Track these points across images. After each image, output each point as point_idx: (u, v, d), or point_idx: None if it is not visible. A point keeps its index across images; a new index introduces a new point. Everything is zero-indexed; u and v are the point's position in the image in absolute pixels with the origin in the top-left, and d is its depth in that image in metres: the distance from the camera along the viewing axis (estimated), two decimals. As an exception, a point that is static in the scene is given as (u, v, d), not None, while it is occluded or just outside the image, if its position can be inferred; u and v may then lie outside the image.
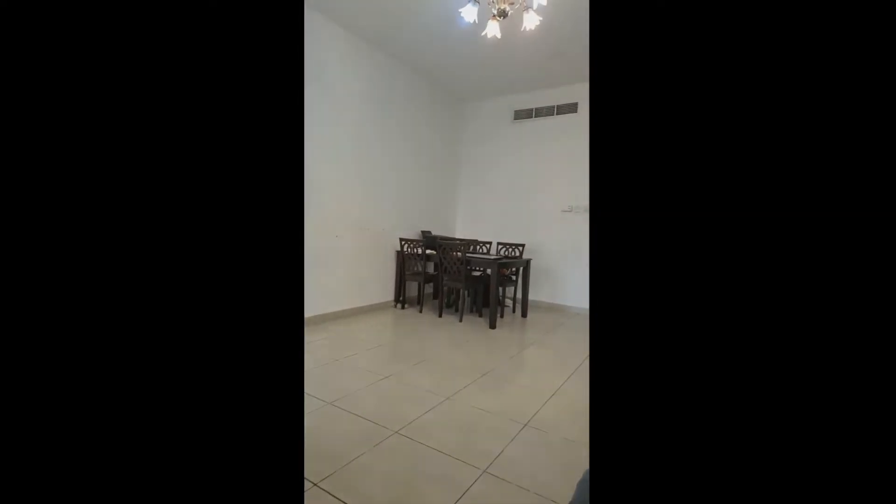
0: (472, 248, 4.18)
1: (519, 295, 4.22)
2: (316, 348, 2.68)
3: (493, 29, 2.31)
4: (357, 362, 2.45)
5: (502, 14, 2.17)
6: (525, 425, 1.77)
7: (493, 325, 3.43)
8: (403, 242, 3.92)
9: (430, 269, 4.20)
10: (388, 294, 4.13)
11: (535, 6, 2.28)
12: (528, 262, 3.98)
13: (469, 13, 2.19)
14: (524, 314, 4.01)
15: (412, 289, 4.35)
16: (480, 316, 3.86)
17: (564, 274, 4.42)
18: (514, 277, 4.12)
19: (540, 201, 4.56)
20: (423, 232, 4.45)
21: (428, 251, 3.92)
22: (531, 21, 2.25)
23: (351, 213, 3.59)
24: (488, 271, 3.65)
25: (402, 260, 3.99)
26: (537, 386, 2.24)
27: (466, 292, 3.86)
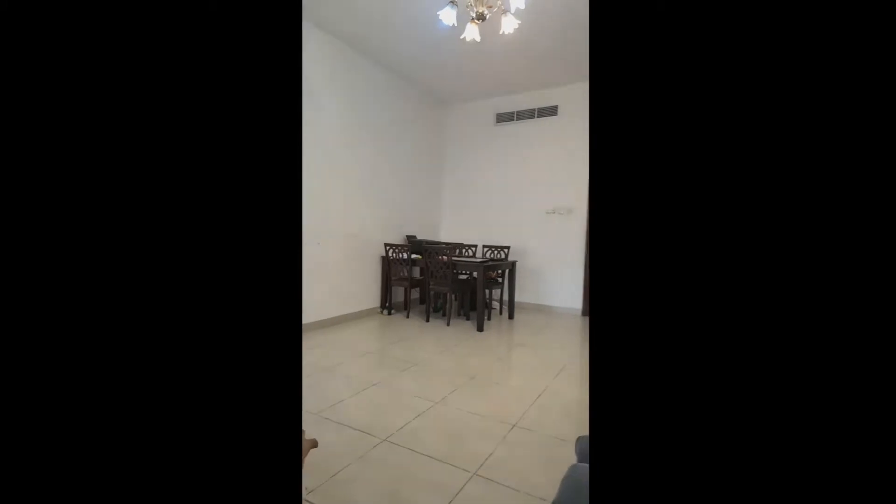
0: (457, 251, 4.18)
1: (505, 297, 4.23)
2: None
3: (472, 32, 2.32)
4: (344, 371, 2.41)
5: (481, 17, 2.19)
6: (514, 426, 1.77)
7: (480, 328, 3.43)
8: (388, 248, 3.89)
9: (417, 273, 4.18)
10: (375, 300, 4.09)
11: (512, 10, 2.30)
12: (513, 263, 4.00)
13: (448, 16, 2.20)
14: (511, 316, 4.02)
15: (398, 294, 4.32)
16: (468, 319, 3.85)
17: (549, 275, 4.45)
18: (500, 280, 4.13)
19: (524, 203, 4.60)
20: (408, 236, 4.43)
21: (413, 256, 3.90)
22: (509, 25, 2.27)
23: (334, 219, 3.55)
24: (475, 274, 3.64)
25: (388, 265, 3.96)
26: (525, 386, 2.24)
27: (453, 296, 3.85)
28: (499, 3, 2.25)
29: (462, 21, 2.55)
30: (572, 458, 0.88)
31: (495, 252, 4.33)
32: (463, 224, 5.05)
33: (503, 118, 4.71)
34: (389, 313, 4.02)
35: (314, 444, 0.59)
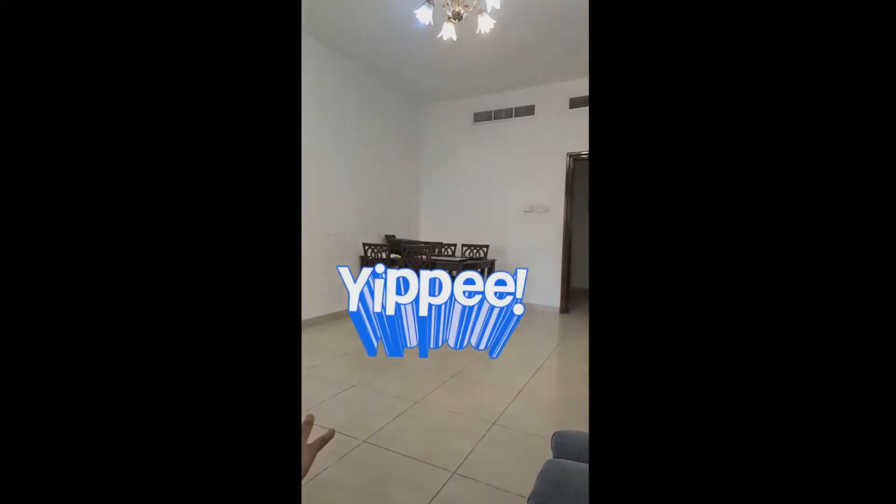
0: (436, 250, 4.18)
1: (485, 295, 4.25)
2: (278, 360, 2.58)
3: (448, 31, 2.32)
4: (323, 372, 2.38)
5: (457, 17, 2.19)
6: (493, 424, 1.78)
7: (460, 327, 3.44)
8: (367, 247, 3.86)
9: (396, 273, 4.15)
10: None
11: (488, 10, 2.31)
12: (492, 262, 4.03)
13: (424, 15, 2.19)
14: (491, 314, 4.05)
15: (378, 294, 4.28)
16: (447, 318, 3.85)
17: (528, 273, 4.50)
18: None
19: (502, 202, 4.63)
20: (386, 236, 4.40)
21: (392, 255, 3.87)
22: (485, 24, 2.28)
23: (311, 219, 3.49)
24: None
25: (367, 265, 3.92)
26: (505, 384, 2.26)
27: (433, 295, 3.84)
28: (475, 2, 2.26)
29: (438, 20, 2.55)
30: (549, 454, 0.89)
31: (474, 251, 4.36)
32: (442, 223, 5.05)
33: (481, 117, 4.74)
34: (368, 314, 3.99)
35: (331, 434, 0.57)
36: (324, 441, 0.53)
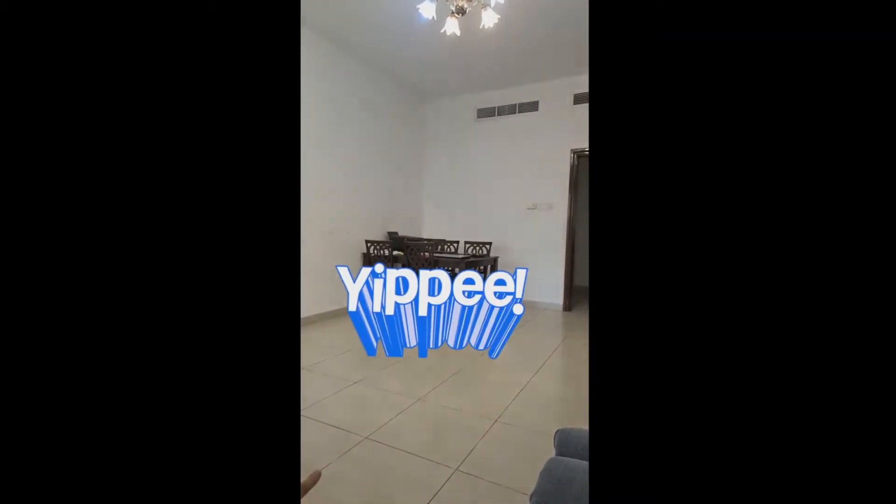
0: (439, 247, 4.17)
1: (488, 292, 4.25)
2: (281, 356, 2.59)
3: (451, 26, 2.30)
4: (325, 369, 2.39)
5: (460, 11, 2.17)
6: (495, 421, 1.78)
7: (463, 324, 3.44)
8: (369, 244, 3.86)
9: (399, 270, 4.15)
10: (357, 297, 4.05)
11: (492, 4, 2.29)
12: (495, 259, 4.02)
13: (427, 10, 2.18)
14: (494, 311, 4.05)
15: (381, 291, 4.29)
16: (450, 315, 3.86)
17: (531, 271, 4.49)
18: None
19: (505, 199, 4.61)
20: (389, 233, 4.40)
21: (395, 252, 3.87)
22: (489, 19, 2.26)
23: (313, 216, 3.49)
24: (457, 270, 3.64)
25: (369, 262, 3.93)
26: (507, 382, 2.26)
27: (436, 292, 3.84)
28: (478, -3, 2.23)
29: (442, 15, 2.53)
30: (552, 452, 0.89)
31: (477, 248, 4.35)
32: (445, 220, 5.04)
33: (484, 113, 4.71)
34: (372, 310, 3.99)
35: (313, 479, 0.53)
36: (304, 489, 0.49)
